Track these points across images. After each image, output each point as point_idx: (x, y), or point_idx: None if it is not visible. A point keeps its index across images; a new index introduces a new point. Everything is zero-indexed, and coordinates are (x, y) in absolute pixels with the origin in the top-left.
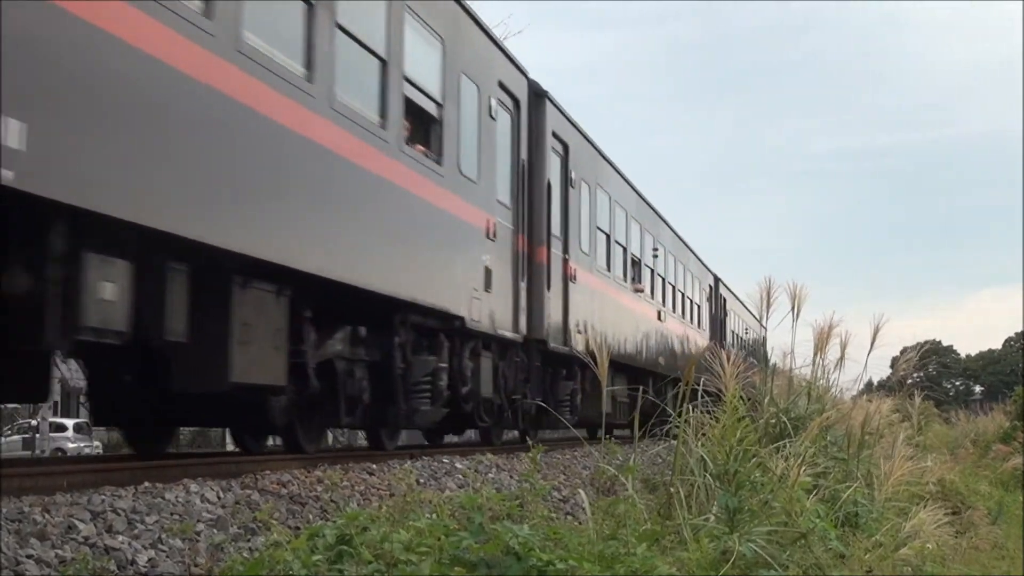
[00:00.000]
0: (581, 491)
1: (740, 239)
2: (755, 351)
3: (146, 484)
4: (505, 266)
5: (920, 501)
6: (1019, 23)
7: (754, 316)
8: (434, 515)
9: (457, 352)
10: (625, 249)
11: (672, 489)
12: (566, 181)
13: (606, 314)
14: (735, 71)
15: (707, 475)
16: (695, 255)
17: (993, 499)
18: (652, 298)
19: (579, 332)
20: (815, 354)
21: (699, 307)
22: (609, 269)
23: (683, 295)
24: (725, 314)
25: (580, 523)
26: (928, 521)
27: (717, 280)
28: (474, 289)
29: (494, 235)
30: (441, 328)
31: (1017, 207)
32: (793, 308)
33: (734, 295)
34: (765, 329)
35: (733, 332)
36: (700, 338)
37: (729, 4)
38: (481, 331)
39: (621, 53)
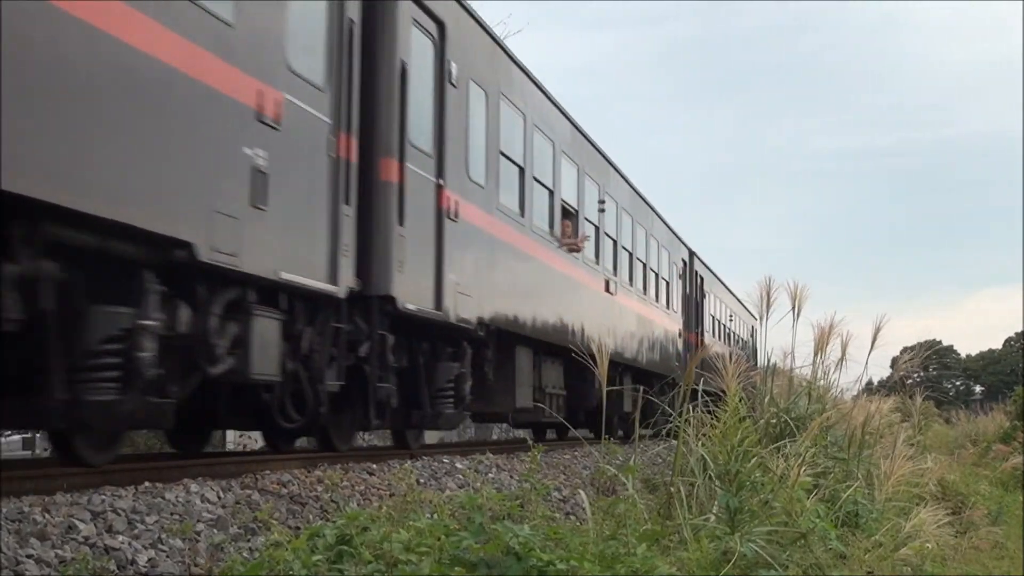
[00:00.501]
0: (581, 491)
1: (740, 239)
2: (743, 343)
3: (146, 484)
4: (307, 175)
5: (920, 501)
6: (1019, 23)
7: (741, 303)
8: (434, 515)
9: (200, 305)
10: (552, 192)
11: (672, 489)
12: (441, 75)
13: (518, 273)
14: (735, 71)
15: (708, 475)
16: (662, 220)
17: (993, 499)
18: (597, 263)
19: (463, 293)
20: (815, 354)
21: (668, 284)
22: (523, 213)
23: (644, 266)
24: (703, 296)
25: (580, 523)
26: (928, 521)
27: (692, 255)
28: (222, 202)
29: (278, 120)
30: (148, 261)
31: (1017, 207)
32: (793, 308)
33: (715, 275)
34: (756, 319)
35: (714, 318)
36: (669, 321)
37: (729, 4)
38: (245, 273)
39: (621, 53)
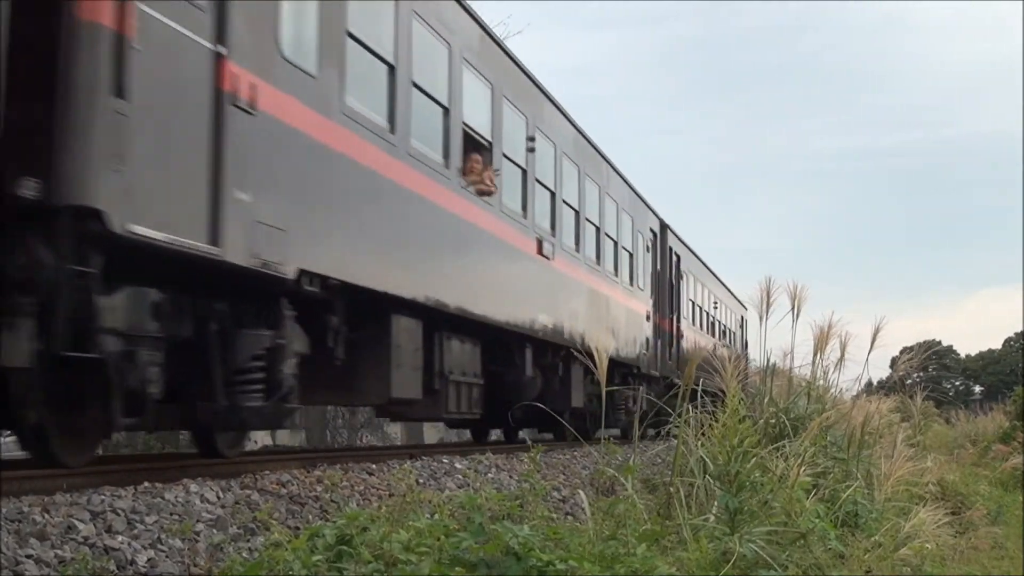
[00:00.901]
0: (581, 491)
1: (740, 239)
2: (731, 334)
3: (145, 484)
4: None
5: (920, 501)
6: (1019, 23)
7: (728, 289)
8: (434, 515)
9: None
10: (447, 111)
11: (672, 489)
12: None
13: (387, 211)
14: (735, 71)
15: (707, 475)
16: (623, 179)
17: (993, 499)
18: (524, 216)
19: (270, 226)
20: (815, 354)
21: (632, 257)
22: (394, 129)
23: (598, 231)
24: (679, 276)
25: (580, 523)
26: (928, 521)
27: (664, 227)
28: None
29: None
30: None
31: (1017, 207)
32: (793, 308)
33: (694, 254)
34: (746, 308)
35: (694, 303)
36: (634, 301)
37: (729, 4)
38: None
39: (621, 53)
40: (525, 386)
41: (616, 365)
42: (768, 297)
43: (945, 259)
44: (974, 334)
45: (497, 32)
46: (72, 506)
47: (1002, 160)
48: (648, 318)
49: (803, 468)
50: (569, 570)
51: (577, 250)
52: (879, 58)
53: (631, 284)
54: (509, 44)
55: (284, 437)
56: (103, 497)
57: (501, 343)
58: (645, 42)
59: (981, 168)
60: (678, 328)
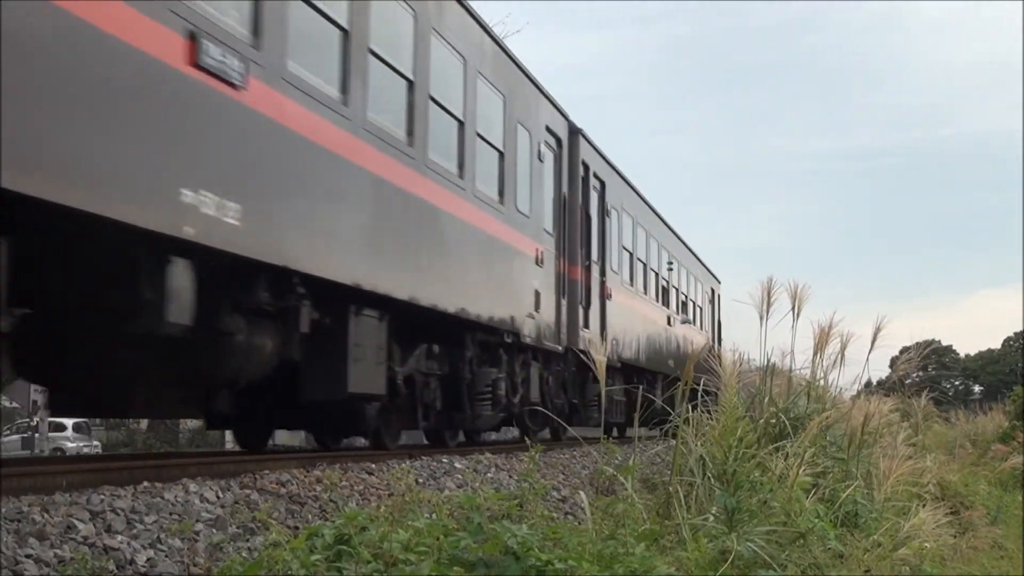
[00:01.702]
0: (581, 491)
1: (740, 239)
2: (697, 308)
3: (145, 484)
4: None
5: (919, 501)
6: (1019, 23)
7: (689, 249)
8: (433, 515)
9: None
10: None
11: (671, 489)
12: None
13: None
14: (734, 70)
15: (707, 475)
16: (481, 25)
17: (992, 499)
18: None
19: None
20: (815, 354)
21: (504, 159)
22: None
23: (410, 86)
24: (606, 212)
25: (579, 523)
26: (927, 521)
27: (576, 133)
28: None
29: None
30: None
31: (1017, 207)
32: (793, 307)
33: (634, 190)
34: (718, 281)
35: (632, 255)
36: (505, 228)
37: (729, 4)
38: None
39: (620, 53)
40: (248, 361)
41: (466, 328)
42: (769, 296)
43: (945, 259)
44: (974, 334)
45: (497, 32)
46: (71, 505)
47: (1002, 160)
48: (540, 261)
49: (802, 468)
50: (568, 569)
51: (345, 103)
52: (878, 58)
53: (501, 202)
54: (508, 43)
55: (284, 437)
56: (102, 497)
57: (121, 259)
58: (644, 42)
59: (981, 168)
60: (602, 285)
